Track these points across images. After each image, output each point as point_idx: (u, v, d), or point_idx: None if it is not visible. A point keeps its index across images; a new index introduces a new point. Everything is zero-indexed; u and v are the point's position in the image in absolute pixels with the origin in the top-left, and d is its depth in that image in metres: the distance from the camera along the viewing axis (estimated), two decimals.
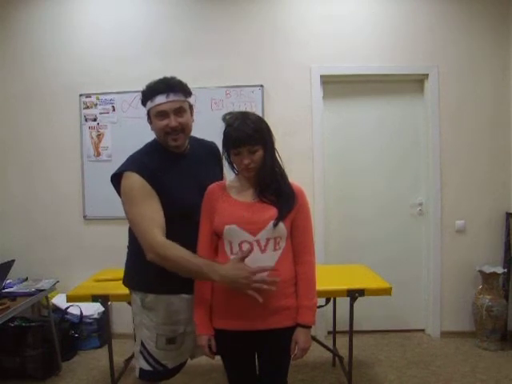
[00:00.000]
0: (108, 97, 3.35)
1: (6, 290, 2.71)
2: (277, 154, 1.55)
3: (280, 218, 1.45)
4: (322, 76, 3.31)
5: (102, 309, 3.15)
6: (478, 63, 3.28)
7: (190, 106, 1.67)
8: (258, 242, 1.45)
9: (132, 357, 2.78)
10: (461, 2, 3.27)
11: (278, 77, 3.31)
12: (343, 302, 2.55)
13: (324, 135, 3.37)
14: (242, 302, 1.45)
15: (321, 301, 2.47)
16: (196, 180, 1.63)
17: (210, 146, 1.84)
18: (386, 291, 2.36)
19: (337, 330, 2.95)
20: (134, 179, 1.52)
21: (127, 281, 1.73)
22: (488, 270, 3.11)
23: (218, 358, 1.57)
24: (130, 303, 2.64)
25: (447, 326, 3.35)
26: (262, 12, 3.31)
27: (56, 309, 3.17)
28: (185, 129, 1.61)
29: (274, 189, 1.50)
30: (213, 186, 1.58)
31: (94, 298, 2.33)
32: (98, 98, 3.36)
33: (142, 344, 1.66)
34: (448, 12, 3.28)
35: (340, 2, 3.31)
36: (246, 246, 1.45)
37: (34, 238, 3.42)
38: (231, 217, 1.47)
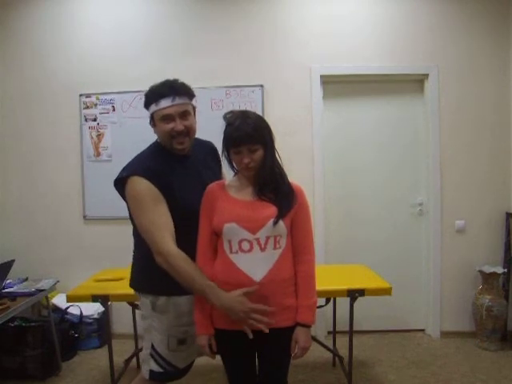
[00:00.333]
0: (108, 97, 3.35)
1: (6, 290, 2.71)
2: (276, 154, 1.55)
3: (280, 215, 1.45)
4: (321, 76, 3.31)
5: (101, 309, 3.15)
6: (478, 63, 3.28)
7: (194, 109, 1.67)
8: (257, 240, 1.45)
9: (132, 357, 2.79)
10: (461, 2, 3.27)
11: (277, 77, 3.31)
12: (343, 302, 2.55)
13: (324, 135, 3.37)
14: None
15: (321, 301, 2.47)
16: (200, 180, 1.64)
17: (209, 145, 1.85)
18: (386, 291, 2.36)
19: (337, 329, 2.95)
20: (141, 184, 1.51)
21: (136, 285, 1.72)
22: (488, 270, 3.11)
23: (218, 357, 1.57)
24: (130, 303, 2.66)
25: (447, 326, 3.35)
26: (261, 12, 3.31)
27: (56, 309, 3.17)
28: (190, 132, 1.62)
29: (274, 187, 1.50)
30: (212, 186, 1.58)
31: (94, 298, 2.33)
32: (97, 98, 3.36)
33: (153, 347, 1.65)
34: (448, 12, 3.28)
35: (340, 2, 3.31)
36: (245, 245, 1.45)
37: (34, 238, 3.42)
38: (231, 215, 1.47)
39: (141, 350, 2.82)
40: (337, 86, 3.41)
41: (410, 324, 3.48)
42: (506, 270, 3.17)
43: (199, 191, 1.58)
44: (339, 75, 3.34)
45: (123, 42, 3.36)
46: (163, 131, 1.58)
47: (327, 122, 3.40)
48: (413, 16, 3.29)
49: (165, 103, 1.55)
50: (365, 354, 3.08)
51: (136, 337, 2.95)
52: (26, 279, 3.04)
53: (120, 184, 1.58)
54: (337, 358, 2.81)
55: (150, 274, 1.61)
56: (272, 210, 1.46)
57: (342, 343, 2.92)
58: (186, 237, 1.51)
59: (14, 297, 2.61)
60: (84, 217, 3.40)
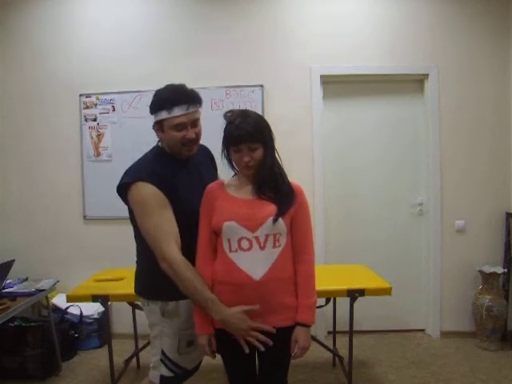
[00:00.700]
0: (108, 97, 3.35)
1: (6, 290, 2.71)
2: (276, 154, 1.55)
3: (279, 213, 1.45)
4: (321, 76, 3.31)
5: (101, 309, 3.15)
6: (478, 63, 3.28)
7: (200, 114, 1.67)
8: (256, 238, 1.45)
9: (132, 357, 2.79)
10: (461, 2, 3.27)
11: (278, 77, 3.31)
12: (343, 302, 2.55)
13: (324, 135, 3.37)
14: (241, 301, 1.45)
15: (321, 301, 2.47)
16: (202, 183, 1.64)
17: (205, 148, 1.85)
18: (386, 291, 2.36)
19: (337, 329, 2.95)
20: (146, 189, 1.50)
21: (143, 292, 1.70)
22: (488, 270, 3.11)
23: (218, 357, 1.57)
24: (130, 303, 2.66)
25: (447, 326, 3.35)
26: (261, 12, 3.31)
27: (56, 309, 3.17)
28: (199, 138, 1.63)
29: (273, 186, 1.50)
30: (211, 185, 1.58)
31: (94, 298, 2.33)
32: (97, 98, 3.36)
33: (163, 353, 1.65)
34: (448, 12, 3.28)
35: (340, 2, 3.31)
36: (245, 243, 1.45)
37: (34, 238, 3.42)
38: (230, 213, 1.47)
39: (141, 350, 2.84)
40: (337, 85, 3.41)
41: (410, 324, 3.48)
42: (506, 270, 3.17)
43: (198, 194, 1.58)
44: (339, 75, 3.34)
45: (123, 42, 3.36)
46: (174, 139, 1.57)
47: (327, 122, 3.40)
48: (413, 16, 3.29)
49: (179, 111, 1.53)
50: (365, 354, 3.08)
51: (136, 337, 2.95)
52: (26, 279, 3.04)
53: (123, 190, 1.56)
54: (337, 358, 2.82)
55: (157, 280, 1.58)
56: (271, 208, 1.47)
57: (341, 343, 2.93)
58: (190, 239, 1.52)
59: (14, 297, 2.61)
60: (84, 217, 3.40)
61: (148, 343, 2.48)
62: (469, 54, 3.28)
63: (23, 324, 2.81)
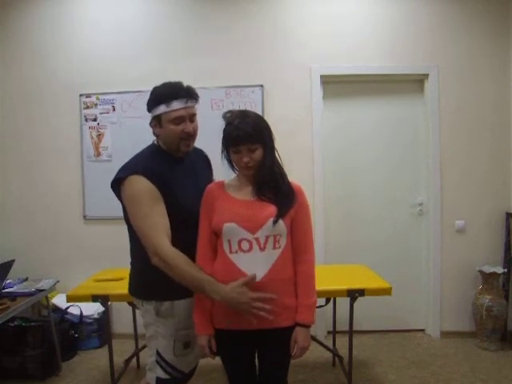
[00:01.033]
0: (108, 97, 3.35)
1: (6, 290, 2.71)
2: (276, 154, 1.55)
3: (279, 215, 1.45)
4: (321, 76, 3.32)
5: (102, 309, 3.15)
6: (478, 63, 3.28)
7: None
8: (257, 239, 1.45)
9: (132, 357, 2.79)
10: (461, 2, 3.27)
11: (278, 77, 3.31)
12: (343, 302, 2.55)
13: (324, 135, 3.37)
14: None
15: (321, 301, 2.47)
16: (196, 182, 1.65)
17: (201, 152, 1.87)
18: (386, 291, 2.36)
19: (337, 330, 2.95)
20: (140, 182, 1.51)
21: (137, 292, 1.69)
22: (488, 270, 3.11)
23: (218, 357, 1.57)
24: (130, 303, 2.65)
25: (447, 326, 3.35)
26: (262, 12, 3.31)
27: (56, 309, 3.17)
28: (195, 134, 1.64)
29: (273, 187, 1.50)
30: (211, 186, 1.59)
31: (94, 298, 2.33)
32: (98, 98, 3.36)
33: (159, 354, 1.63)
34: (448, 12, 3.28)
35: (340, 1, 3.31)
36: (245, 244, 1.45)
37: (34, 238, 3.42)
38: (230, 215, 1.47)
39: (141, 349, 2.84)
40: (337, 85, 3.41)
41: (410, 324, 3.48)
42: (506, 270, 3.17)
43: (196, 192, 1.59)
44: (339, 75, 3.34)
45: (123, 42, 3.36)
46: (173, 132, 1.58)
47: (327, 121, 3.40)
48: (413, 16, 3.29)
49: (178, 105, 1.55)
50: (365, 353, 3.08)
51: (136, 337, 2.95)
52: (26, 279, 3.04)
53: (117, 185, 1.56)
54: (337, 358, 2.82)
55: (151, 280, 1.60)
56: (271, 209, 1.46)
57: (341, 343, 2.93)
58: (183, 237, 1.51)
59: (14, 297, 2.61)
60: (84, 217, 3.40)
61: None
62: (469, 53, 3.28)
63: (23, 324, 2.81)
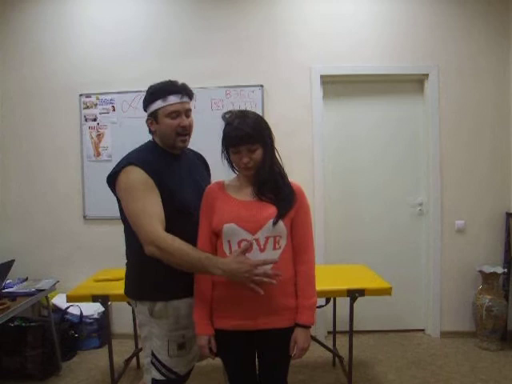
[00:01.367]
0: (108, 97, 3.35)
1: (6, 290, 2.71)
2: (276, 154, 1.55)
3: (279, 216, 1.45)
4: (321, 76, 3.31)
5: (102, 309, 3.15)
6: (478, 63, 3.28)
7: None
8: (257, 240, 1.45)
9: (132, 357, 2.79)
10: (461, 2, 3.27)
11: (278, 77, 3.31)
12: (343, 302, 2.55)
13: (324, 135, 3.37)
14: (242, 301, 1.46)
15: (321, 301, 2.47)
16: (192, 179, 1.66)
17: (200, 155, 1.89)
18: (386, 291, 2.36)
19: (337, 330, 2.95)
20: (135, 173, 1.51)
21: (131, 292, 1.69)
22: (488, 270, 3.11)
23: (218, 357, 1.57)
24: (130, 304, 2.65)
25: (447, 325, 3.35)
26: (262, 12, 3.31)
27: (56, 309, 3.16)
28: (191, 130, 1.66)
29: (273, 187, 1.50)
30: (212, 186, 1.58)
31: (94, 298, 2.33)
32: (97, 98, 3.36)
33: (153, 354, 1.62)
34: (448, 12, 3.28)
35: (340, 1, 3.31)
36: (244, 245, 1.45)
37: (33, 238, 3.42)
38: (230, 215, 1.47)
39: (141, 349, 2.84)
40: (337, 85, 3.41)
41: (410, 324, 3.48)
42: (506, 270, 3.17)
43: (191, 188, 1.61)
44: (339, 75, 3.34)
45: (123, 42, 3.36)
46: (170, 126, 1.59)
47: (327, 121, 3.40)
48: (413, 16, 3.29)
49: (174, 99, 1.58)
50: (365, 354, 3.08)
51: (136, 337, 2.95)
52: (26, 279, 3.04)
53: (113, 179, 1.57)
54: (337, 358, 2.82)
55: (144, 280, 1.61)
56: (272, 210, 1.46)
57: (341, 343, 2.93)
58: (179, 231, 1.50)
59: (14, 297, 2.61)
60: (84, 217, 3.40)
61: None
62: (469, 54, 3.28)
63: (23, 324, 2.80)
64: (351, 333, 2.42)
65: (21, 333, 2.76)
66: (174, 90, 1.59)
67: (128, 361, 2.75)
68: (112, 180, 1.58)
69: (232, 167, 1.56)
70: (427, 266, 3.41)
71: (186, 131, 1.62)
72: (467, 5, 3.27)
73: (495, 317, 3.07)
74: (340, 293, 2.37)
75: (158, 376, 1.62)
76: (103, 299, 2.33)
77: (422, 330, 3.46)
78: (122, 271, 2.61)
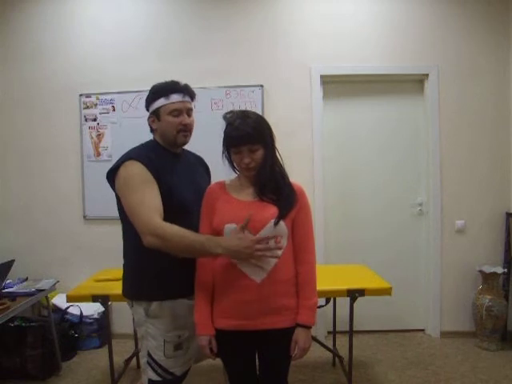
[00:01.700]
0: (108, 97, 3.35)
1: (6, 290, 2.71)
2: (277, 154, 1.54)
3: (281, 216, 1.45)
4: (321, 76, 3.31)
5: (102, 309, 3.15)
6: (478, 63, 3.28)
7: None
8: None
9: (132, 357, 2.79)
10: (461, 2, 3.27)
11: (278, 77, 3.31)
12: (343, 302, 2.55)
13: (324, 135, 3.37)
14: (242, 301, 1.45)
15: (321, 301, 2.45)
16: (191, 178, 1.67)
17: (200, 157, 1.90)
18: (386, 291, 2.35)
19: (337, 330, 2.95)
20: (135, 166, 1.52)
21: (128, 292, 1.69)
22: (488, 270, 3.11)
23: (218, 357, 1.57)
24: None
25: (447, 325, 3.35)
26: (262, 12, 3.31)
27: (56, 309, 3.17)
28: (191, 129, 1.68)
29: (274, 188, 1.50)
30: (212, 186, 1.58)
31: (94, 298, 2.33)
32: (97, 98, 3.36)
33: (149, 355, 1.62)
34: (448, 12, 3.28)
35: (340, 1, 3.31)
36: None
37: (34, 238, 3.42)
38: (231, 216, 1.47)
39: (141, 350, 2.84)
40: (337, 85, 3.41)
41: (410, 324, 3.48)
42: (506, 270, 3.17)
43: (190, 187, 1.62)
44: (339, 75, 3.34)
45: (123, 42, 3.36)
46: (171, 124, 1.61)
47: (327, 122, 3.39)
48: (413, 16, 3.29)
49: (176, 98, 1.61)
50: (365, 353, 3.08)
51: (136, 337, 2.94)
52: (26, 279, 3.04)
53: (113, 174, 1.57)
54: (337, 358, 2.82)
55: (140, 280, 1.61)
56: (273, 210, 1.46)
57: (341, 343, 2.93)
58: (180, 225, 1.49)
59: (14, 297, 2.61)
60: (84, 217, 3.40)
61: None
62: (469, 53, 3.28)
63: (23, 324, 2.80)
64: (351, 333, 2.41)
65: (21, 333, 2.76)
66: (177, 89, 1.62)
67: (128, 361, 2.75)
68: (112, 175, 1.58)
69: (233, 167, 1.56)
70: (427, 266, 3.41)
71: (187, 129, 1.64)
72: (467, 5, 3.27)
73: (495, 317, 3.07)
74: (340, 293, 2.37)
75: (154, 376, 1.61)
76: (103, 299, 2.33)
77: (422, 330, 3.46)
78: (122, 271, 2.61)
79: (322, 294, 2.29)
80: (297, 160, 3.17)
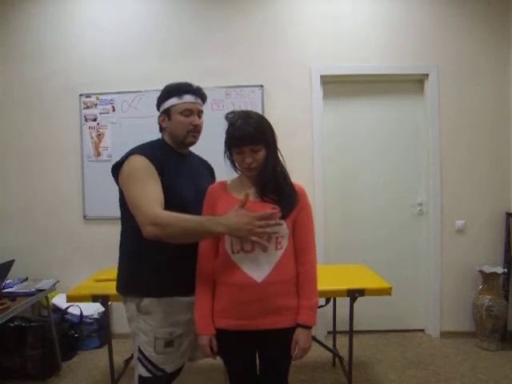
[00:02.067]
0: (108, 97, 3.35)
1: (6, 290, 2.71)
2: (279, 154, 1.54)
3: (282, 216, 1.45)
4: (321, 76, 3.32)
5: (102, 309, 3.15)
6: (477, 63, 3.28)
7: None
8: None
9: (132, 357, 2.79)
10: (461, 2, 3.27)
11: (278, 77, 3.31)
12: (343, 302, 2.55)
13: (324, 135, 3.37)
14: (243, 301, 1.45)
15: (321, 301, 2.44)
16: (194, 179, 1.67)
17: (205, 161, 1.90)
18: (386, 291, 2.35)
19: (337, 330, 2.95)
20: (140, 160, 1.54)
21: (120, 287, 1.69)
22: (488, 270, 3.11)
23: (218, 357, 1.57)
24: None
25: (447, 325, 3.35)
26: (262, 12, 3.31)
27: (56, 309, 3.17)
28: (201, 130, 1.70)
29: (276, 188, 1.49)
30: (214, 186, 1.58)
31: (94, 298, 2.33)
32: (97, 98, 3.36)
33: (140, 350, 1.61)
34: (448, 12, 3.28)
35: (340, 1, 3.31)
36: (247, 245, 1.45)
37: (34, 238, 3.42)
38: None
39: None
40: (337, 85, 3.41)
41: (409, 324, 3.48)
42: (506, 270, 3.17)
43: (192, 188, 1.62)
44: (339, 75, 3.34)
45: (123, 42, 3.36)
46: (182, 124, 1.63)
47: (327, 122, 3.40)
48: (413, 16, 3.29)
49: (189, 98, 1.64)
50: (365, 353, 3.08)
51: None
52: (26, 279, 3.04)
53: (118, 169, 1.58)
54: (337, 358, 2.81)
55: (133, 275, 1.62)
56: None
57: (342, 343, 2.93)
58: None
59: (14, 297, 2.61)
60: (84, 217, 3.40)
61: None
62: (469, 53, 3.28)
63: (23, 324, 2.80)
64: (351, 333, 2.41)
65: (21, 333, 2.76)
66: (190, 90, 1.64)
67: (128, 361, 2.74)
68: (116, 170, 1.59)
69: (234, 167, 1.56)
70: (427, 266, 3.41)
71: (196, 130, 1.66)
72: (467, 5, 3.27)
73: (495, 317, 3.07)
74: (340, 293, 2.37)
75: (145, 373, 1.60)
76: (103, 299, 2.32)
77: (422, 330, 3.47)
78: None
79: (322, 294, 2.27)
80: (297, 160, 3.16)
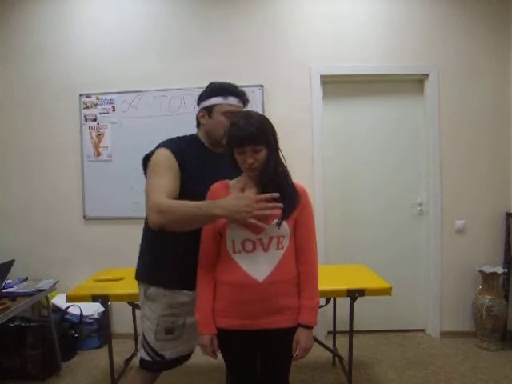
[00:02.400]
0: (108, 97, 3.35)
1: (6, 290, 2.71)
2: (280, 154, 1.54)
3: (283, 216, 1.45)
4: (321, 76, 3.32)
5: (102, 309, 3.15)
6: (478, 63, 3.28)
7: None
8: (260, 240, 1.45)
9: (132, 357, 2.79)
10: (461, 2, 3.27)
11: (278, 77, 3.31)
12: (343, 302, 2.55)
13: (324, 135, 3.37)
14: (244, 301, 1.45)
15: (321, 301, 2.44)
16: (217, 177, 1.64)
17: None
18: (386, 291, 2.35)
19: (337, 330, 2.95)
20: (164, 154, 1.58)
21: (136, 273, 1.78)
22: (488, 270, 3.11)
23: (218, 357, 1.57)
24: (130, 303, 2.66)
25: (447, 325, 3.35)
26: (262, 12, 3.31)
27: (56, 309, 3.16)
28: None
29: (277, 188, 1.49)
30: (215, 186, 1.58)
31: (94, 298, 2.32)
32: (97, 98, 3.36)
33: (143, 335, 1.71)
34: (448, 12, 3.28)
35: (340, 1, 3.31)
36: (248, 245, 1.45)
37: (34, 238, 3.42)
38: None
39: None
40: (337, 85, 3.41)
41: (410, 324, 3.48)
42: (506, 270, 3.17)
43: (209, 184, 1.61)
44: (339, 75, 3.34)
45: (123, 42, 3.36)
46: (222, 124, 1.64)
47: (327, 121, 3.40)
48: (413, 16, 3.29)
49: (233, 100, 1.67)
50: (365, 353, 3.08)
51: (136, 337, 2.94)
52: (26, 279, 3.04)
53: (147, 160, 1.63)
54: (337, 358, 2.82)
55: (146, 264, 1.71)
56: (276, 210, 1.46)
57: (341, 343, 2.93)
58: None
59: (14, 297, 2.61)
60: (84, 217, 3.40)
61: None
62: (469, 53, 3.28)
63: (23, 324, 2.80)
64: (351, 333, 2.41)
65: (21, 333, 2.76)
66: (236, 93, 1.68)
67: (128, 361, 2.75)
68: (145, 162, 1.64)
69: (237, 167, 1.56)
70: (427, 266, 3.41)
71: None
72: (467, 5, 3.27)
73: (495, 317, 3.07)
74: (340, 293, 2.37)
75: (146, 356, 1.70)
76: (103, 299, 2.32)
77: (422, 330, 3.47)
78: (122, 271, 2.62)
79: (322, 293, 2.25)
80: (297, 160, 3.16)
